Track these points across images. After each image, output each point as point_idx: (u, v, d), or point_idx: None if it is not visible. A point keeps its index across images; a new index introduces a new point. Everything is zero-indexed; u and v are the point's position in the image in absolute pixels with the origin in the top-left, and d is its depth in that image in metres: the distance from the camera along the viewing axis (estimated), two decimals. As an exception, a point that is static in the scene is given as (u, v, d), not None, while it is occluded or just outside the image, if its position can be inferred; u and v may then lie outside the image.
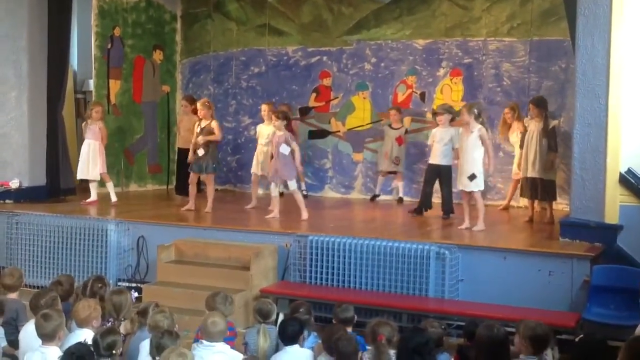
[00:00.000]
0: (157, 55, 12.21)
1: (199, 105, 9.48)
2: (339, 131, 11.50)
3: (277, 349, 5.05)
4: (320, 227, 8.21)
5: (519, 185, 9.24)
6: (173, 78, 12.53)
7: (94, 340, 4.34)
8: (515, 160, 9.50)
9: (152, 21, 12.12)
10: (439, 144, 9.04)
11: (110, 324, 5.01)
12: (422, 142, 10.63)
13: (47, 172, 10.02)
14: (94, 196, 9.85)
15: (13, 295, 5.81)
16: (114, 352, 4.34)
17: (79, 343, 4.27)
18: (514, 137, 9.51)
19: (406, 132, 10.68)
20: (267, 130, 9.74)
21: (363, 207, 10.46)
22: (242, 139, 12.00)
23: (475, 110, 7.95)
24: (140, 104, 11.97)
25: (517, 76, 10.38)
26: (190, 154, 9.35)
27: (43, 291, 5.45)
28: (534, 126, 8.58)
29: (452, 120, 9.16)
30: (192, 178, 9.42)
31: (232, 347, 4.83)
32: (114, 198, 9.88)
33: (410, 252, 6.88)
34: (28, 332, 4.87)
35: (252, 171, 9.93)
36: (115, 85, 11.53)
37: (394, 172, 10.72)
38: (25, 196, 9.75)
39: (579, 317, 6.20)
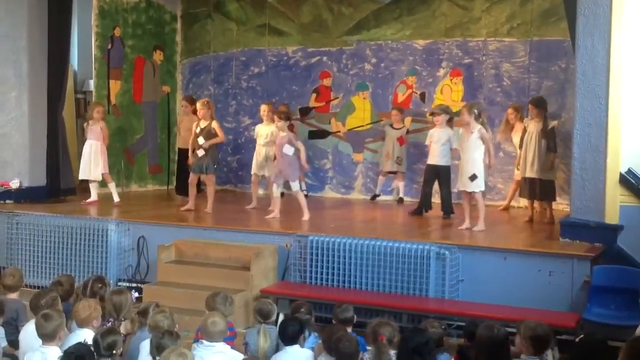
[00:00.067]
0: (158, 56, 12.21)
1: (198, 105, 9.47)
2: (339, 131, 11.51)
3: (277, 349, 5.05)
4: (321, 227, 8.21)
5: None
6: (173, 78, 12.53)
7: (94, 340, 4.34)
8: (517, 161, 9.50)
9: (152, 21, 12.12)
10: (436, 144, 9.06)
11: (110, 324, 5.01)
12: (422, 142, 10.58)
13: (47, 172, 10.02)
14: (94, 196, 9.85)
15: (13, 296, 5.81)
16: (114, 352, 4.34)
17: (79, 343, 4.27)
18: (517, 137, 9.49)
19: (407, 132, 10.69)
20: (265, 130, 9.74)
21: (363, 207, 10.46)
22: (242, 139, 12.01)
23: (476, 111, 7.95)
24: (140, 104, 11.97)
25: (517, 76, 10.38)
26: (190, 155, 9.35)
27: (43, 291, 5.45)
28: (533, 126, 8.58)
29: (450, 120, 9.18)
30: (192, 179, 9.42)
31: (232, 347, 4.83)
32: (116, 198, 9.87)
33: (410, 253, 6.88)
34: (28, 332, 4.87)
35: (252, 172, 9.93)
36: (115, 86, 11.53)
37: (395, 172, 10.73)
38: (25, 196, 9.74)
39: (579, 318, 6.20)
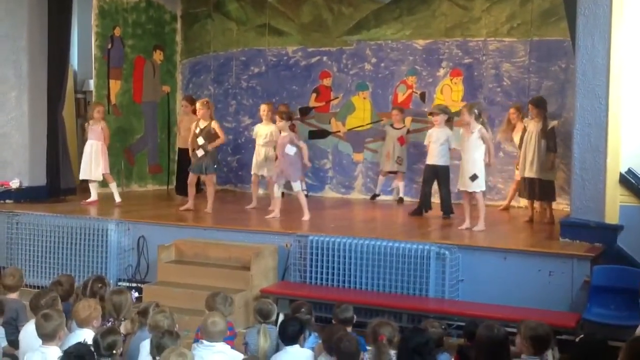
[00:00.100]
0: (157, 56, 12.21)
1: (198, 105, 9.47)
2: (339, 131, 11.50)
3: (277, 349, 5.05)
4: (321, 227, 8.21)
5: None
6: (173, 78, 12.52)
7: (94, 340, 4.34)
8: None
9: (152, 21, 12.11)
10: (435, 144, 9.07)
11: (110, 324, 5.01)
12: (422, 142, 10.54)
13: (47, 172, 10.02)
14: (94, 196, 9.85)
15: (13, 295, 5.81)
16: (114, 352, 4.34)
17: (79, 343, 4.27)
18: (518, 137, 9.49)
19: (408, 132, 10.69)
20: (264, 130, 9.74)
21: (363, 207, 10.46)
22: (242, 139, 11.99)
23: (476, 111, 7.95)
24: (140, 104, 11.97)
25: (517, 76, 10.38)
26: (190, 155, 9.35)
27: (43, 291, 5.45)
28: (533, 126, 8.59)
29: (449, 120, 9.18)
30: (191, 179, 9.41)
31: (232, 347, 4.83)
32: (117, 198, 9.86)
33: (410, 252, 6.88)
34: (28, 332, 4.87)
35: (252, 171, 9.93)
36: (115, 86, 11.54)
37: (395, 172, 10.74)
38: (25, 196, 9.74)
39: (579, 318, 6.20)
